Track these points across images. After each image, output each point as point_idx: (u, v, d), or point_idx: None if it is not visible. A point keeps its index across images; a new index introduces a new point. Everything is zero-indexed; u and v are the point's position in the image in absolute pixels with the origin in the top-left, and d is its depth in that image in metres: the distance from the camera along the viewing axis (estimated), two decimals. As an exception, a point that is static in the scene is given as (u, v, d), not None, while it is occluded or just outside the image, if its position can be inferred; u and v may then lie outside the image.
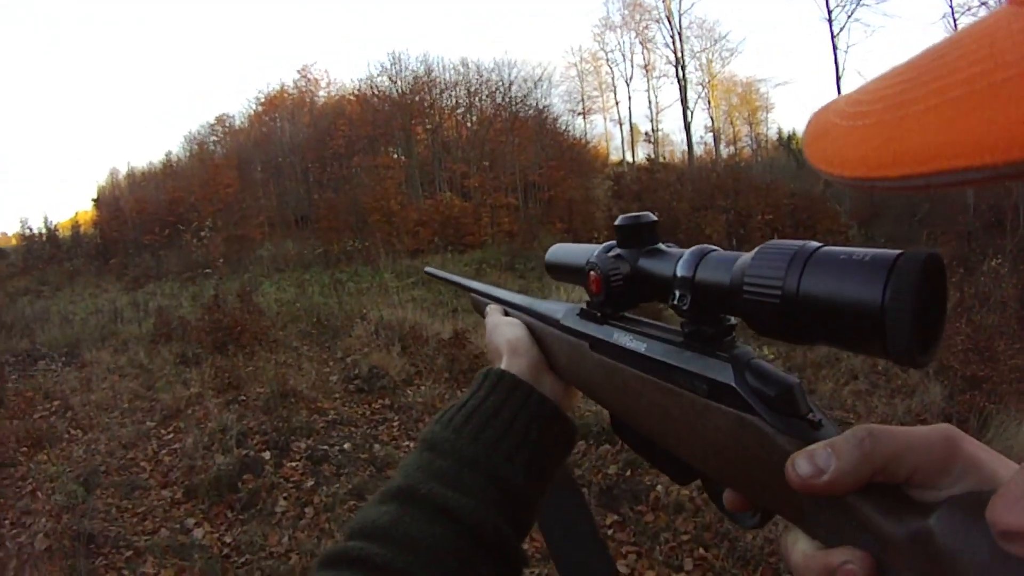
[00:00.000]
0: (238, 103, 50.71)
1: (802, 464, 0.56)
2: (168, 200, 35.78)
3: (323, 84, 45.05)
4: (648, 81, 43.90)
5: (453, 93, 39.16)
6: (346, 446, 7.86)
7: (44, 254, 34.25)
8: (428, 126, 37.03)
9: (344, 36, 71.14)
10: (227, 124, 46.52)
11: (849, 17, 31.63)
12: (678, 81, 40.63)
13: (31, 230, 36.38)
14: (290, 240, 31.14)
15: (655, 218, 0.91)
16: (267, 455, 7.53)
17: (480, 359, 9.51)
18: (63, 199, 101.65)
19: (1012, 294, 11.09)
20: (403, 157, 36.50)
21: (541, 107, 39.51)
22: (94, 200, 42.37)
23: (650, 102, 44.43)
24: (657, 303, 0.85)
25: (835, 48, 33.73)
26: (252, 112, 45.43)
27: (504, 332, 1.09)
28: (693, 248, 0.76)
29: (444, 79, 38.59)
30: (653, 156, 40.81)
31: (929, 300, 0.52)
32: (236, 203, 34.85)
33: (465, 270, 20.54)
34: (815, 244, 0.58)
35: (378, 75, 38.11)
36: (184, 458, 7.66)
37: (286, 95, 44.30)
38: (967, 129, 0.36)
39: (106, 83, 74.68)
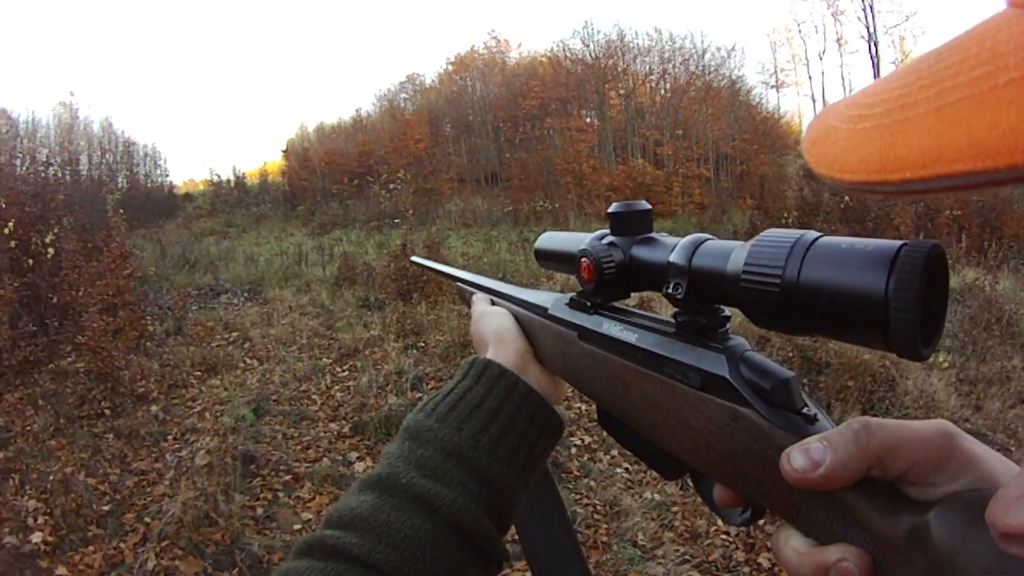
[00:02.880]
0: (428, 64, 51.81)
1: (797, 457, 0.56)
2: (357, 152, 36.48)
3: (514, 46, 44.99)
4: (841, 56, 42.52)
5: (646, 59, 38.19)
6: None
7: (231, 199, 35.85)
8: (621, 91, 36.22)
9: (533, 4, 70.81)
10: (417, 82, 47.09)
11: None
12: (870, 57, 38.87)
13: (219, 177, 37.37)
14: (479, 197, 31.33)
15: (649, 206, 0.88)
16: (440, 399, 7.52)
17: None
18: (251, 152, 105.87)
19: None
20: (596, 121, 35.86)
21: (734, 77, 38.40)
22: (283, 151, 44.38)
23: (843, 78, 42.60)
24: (650, 292, 0.84)
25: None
26: (443, 71, 45.70)
27: (490, 322, 1.08)
28: (689, 236, 0.75)
29: (637, 45, 37.63)
30: None
31: (932, 292, 0.52)
32: (426, 158, 35.28)
33: None
34: (815, 233, 0.58)
35: (570, 38, 37.62)
36: (356, 395, 7.89)
37: (476, 56, 43.98)
38: (969, 133, 0.36)
39: (297, 43, 76.78)
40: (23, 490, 5.85)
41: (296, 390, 8.34)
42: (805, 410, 0.61)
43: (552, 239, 1.04)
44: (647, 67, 38.00)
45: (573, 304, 0.95)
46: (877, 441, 0.52)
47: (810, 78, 46.23)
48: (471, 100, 40.36)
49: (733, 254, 0.64)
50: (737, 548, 5.11)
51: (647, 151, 33.30)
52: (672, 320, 0.75)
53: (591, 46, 36.83)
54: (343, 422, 7.45)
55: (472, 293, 1.28)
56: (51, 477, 5.84)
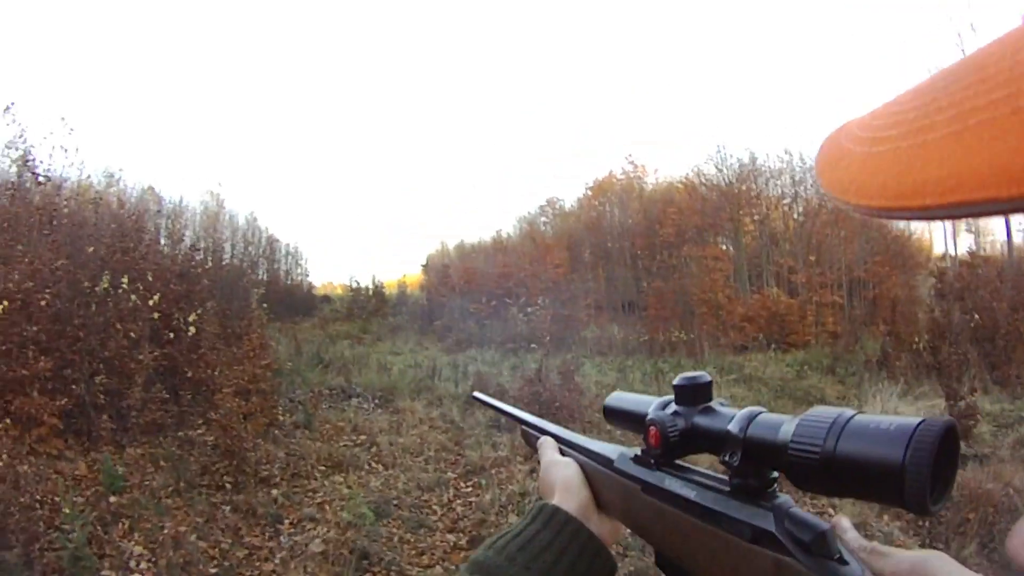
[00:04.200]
0: (567, 188, 52.38)
1: None
2: (497, 273, 36.85)
3: (651, 170, 45.32)
4: None
5: (778, 182, 37.74)
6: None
7: (369, 306, 36.38)
8: (755, 216, 36.03)
9: (669, 128, 71.45)
10: (557, 207, 47.43)
11: None
12: None
13: (358, 283, 38.26)
14: (616, 324, 31.07)
15: (709, 378, 0.99)
16: (561, 523, 7.58)
17: None
18: (390, 262, 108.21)
19: None
20: (731, 248, 35.67)
21: None
22: (423, 265, 45.43)
23: None
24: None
25: None
26: (582, 196, 46.08)
27: (558, 471, 1.18)
28: (744, 410, 0.84)
29: (768, 167, 37.32)
30: (974, 248, 38.63)
31: (943, 460, 0.61)
32: (565, 283, 35.20)
33: (787, 371, 20.05)
34: (851, 412, 0.68)
35: (704, 162, 37.71)
36: (477, 511, 8.03)
37: (614, 180, 44.31)
38: (990, 159, 0.35)
39: (442, 160, 78.86)
40: (131, 535, 6.17)
41: (418, 498, 8.49)
42: (839, 557, 0.70)
43: (621, 400, 1.16)
44: (779, 189, 37.85)
45: (638, 460, 1.04)
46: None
47: None
48: (609, 226, 40.54)
49: (783, 427, 0.74)
50: None
51: (781, 278, 32.85)
52: (727, 479, 0.84)
53: (724, 171, 36.87)
54: (461, 534, 7.53)
55: (537, 437, 1.36)
56: (164, 531, 6.08)
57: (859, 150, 0.44)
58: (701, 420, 0.94)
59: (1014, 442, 10.78)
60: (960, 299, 21.40)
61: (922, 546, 7.19)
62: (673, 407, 0.98)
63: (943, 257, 41.71)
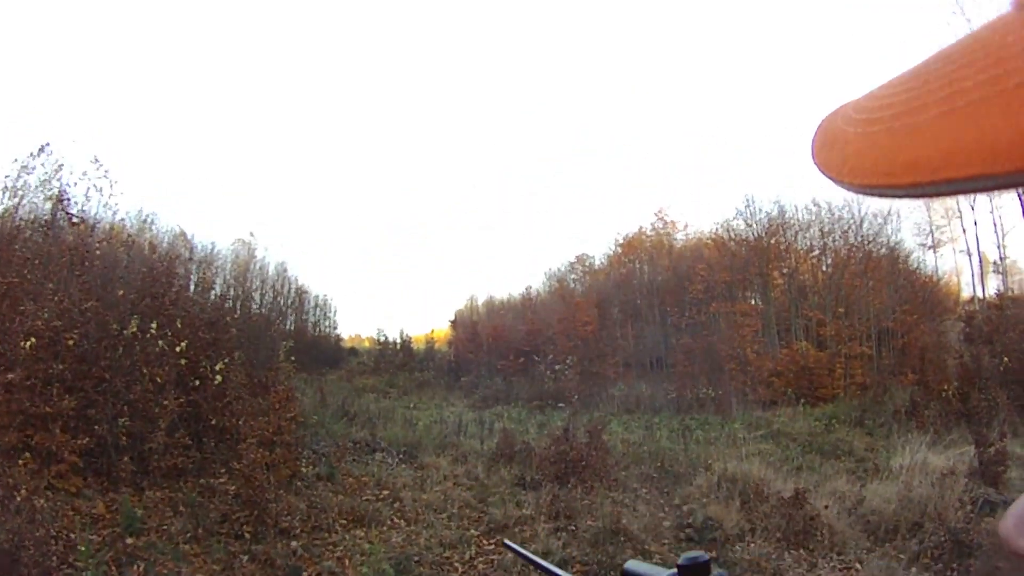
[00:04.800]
0: (597, 245, 52.28)
1: None
2: (526, 331, 37.08)
3: (680, 227, 45.41)
4: (991, 201, 40.86)
5: (806, 235, 37.66)
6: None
7: (396, 360, 36.40)
8: (784, 270, 36.01)
9: (699, 181, 71.52)
10: (587, 264, 47.42)
11: None
12: (1019, 197, 37.28)
13: (386, 337, 38.39)
14: (643, 382, 30.90)
15: (708, 557, 1.12)
16: (583, 583, 7.56)
17: (815, 521, 9.41)
18: (418, 315, 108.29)
19: None
20: (760, 303, 35.62)
21: (892, 244, 37.17)
22: (452, 321, 45.18)
23: (995, 225, 40.91)
24: None
25: None
26: (612, 253, 46.10)
27: None
28: None
29: (797, 220, 37.27)
30: (1003, 289, 38.25)
31: None
32: (593, 340, 35.36)
33: (815, 425, 19.88)
34: None
35: (733, 218, 37.74)
36: (499, 569, 7.95)
37: (644, 237, 44.46)
38: (978, 136, 0.36)
39: (471, 216, 78.93)
40: (146, 577, 6.03)
41: (439, 555, 8.42)
42: None
43: (637, 567, 1.30)
44: (808, 243, 37.77)
45: None
46: None
47: (964, 231, 44.95)
48: (639, 283, 40.60)
49: None
50: None
51: (810, 331, 32.63)
52: None
53: (753, 225, 36.87)
54: (483, 593, 7.39)
55: None
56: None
57: (853, 130, 0.46)
58: None
59: None
60: (988, 342, 21.44)
61: None
62: None
63: (971, 300, 41.49)
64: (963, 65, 0.39)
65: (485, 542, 8.98)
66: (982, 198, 42.45)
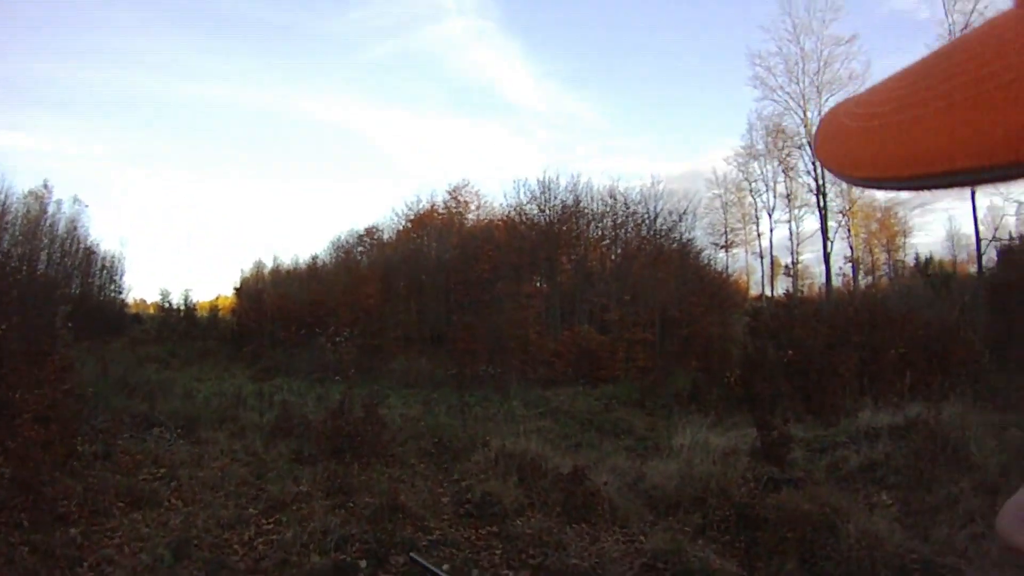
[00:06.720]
0: (388, 217, 52.62)
1: None
2: (309, 301, 36.76)
3: (472, 207, 45.85)
4: (790, 211, 44.39)
5: (600, 225, 39.52)
6: (445, 567, 7.68)
7: (179, 328, 36.27)
8: (573, 257, 36.96)
9: (497, 156, 72.34)
10: (375, 236, 48.04)
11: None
12: (819, 210, 40.94)
13: (170, 303, 37.56)
14: (424, 357, 31.25)
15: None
16: (363, 563, 7.51)
17: (596, 496, 9.50)
18: (204, 282, 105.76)
19: None
20: (546, 286, 36.32)
21: (685, 240, 39.65)
22: (236, 288, 44.72)
23: (791, 233, 44.60)
24: None
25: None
26: (401, 228, 46.74)
27: None
28: None
29: (592, 209, 38.94)
30: (792, 290, 41.79)
31: None
32: (376, 314, 35.46)
33: (595, 404, 20.64)
34: None
35: (527, 202, 38.30)
36: (279, 550, 7.68)
37: (436, 214, 45.42)
38: (977, 130, 0.37)
39: (262, 179, 77.04)
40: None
41: (219, 537, 8.12)
42: None
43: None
44: (600, 232, 38.96)
45: None
46: None
47: (759, 236, 47.66)
48: (426, 259, 40.80)
49: None
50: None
51: (594, 316, 33.66)
52: None
53: (547, 211, 37.74)
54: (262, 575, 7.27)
55: None
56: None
57: (854, 125, 0.47)
58: None
59: (828, 466, 11.51)
60: (774, 337, 22.61)
61: (740, 566, 7.77)
62: None
63: (759, 298, 43.89)
64: (963, 61, 0.41)
65: (264, 521, 8.73)
66: (779, 204, 44.87)
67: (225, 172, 76.15)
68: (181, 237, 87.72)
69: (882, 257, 48.51)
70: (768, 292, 46.62)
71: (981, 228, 34.73)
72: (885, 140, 0.43)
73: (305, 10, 71.43)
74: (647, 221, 38.48)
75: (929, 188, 0.42)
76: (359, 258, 46.70)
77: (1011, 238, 35.69)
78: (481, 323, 31.62)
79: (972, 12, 33.05)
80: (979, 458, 10.44)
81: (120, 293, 46.16)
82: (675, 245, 38.65)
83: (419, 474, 11.20)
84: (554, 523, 8.88)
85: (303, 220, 78.39)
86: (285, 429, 13.38)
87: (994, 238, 35.33)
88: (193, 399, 16.64)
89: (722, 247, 48.07)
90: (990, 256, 35.10)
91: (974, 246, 34.58)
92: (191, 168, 76.02)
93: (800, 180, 42.32)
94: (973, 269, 37.76)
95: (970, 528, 8.13)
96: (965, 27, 32.55)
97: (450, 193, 45.11)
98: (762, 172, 45.80)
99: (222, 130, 74.48)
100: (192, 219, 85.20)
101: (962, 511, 8.64)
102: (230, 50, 67.96)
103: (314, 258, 48.09)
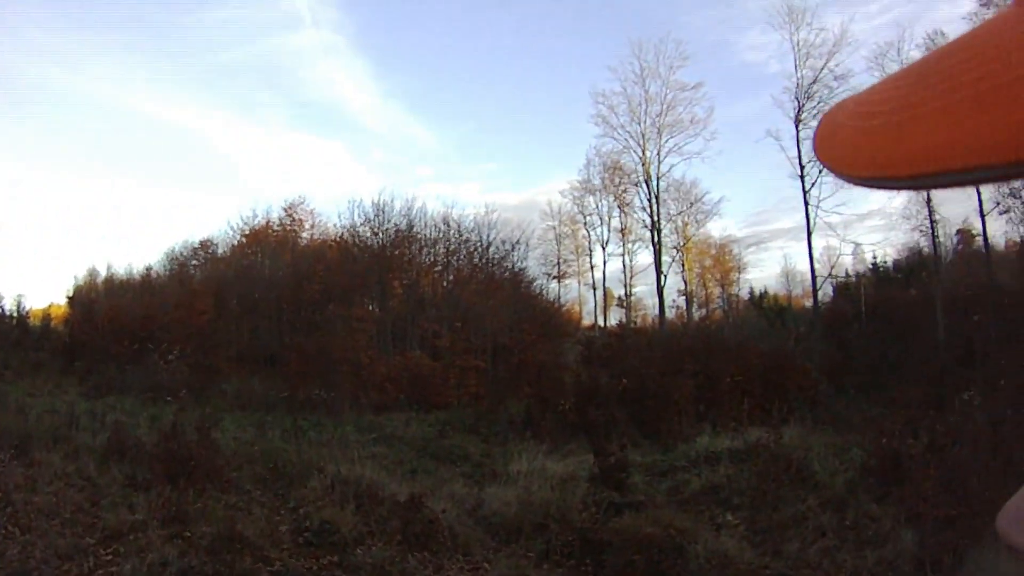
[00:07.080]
0: (223, 230, 50.96)
1: None
2: (142, 315, 35.42)
3: (307, 225, 45.64)
4: (624, 245, 45.68)
5: (433, 251, 39.55)
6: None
7: (12, 337, 34.36)
8: (406, 281, 37.53)
9: (335, 175, 72.03)
10: (210, 250, 46.64)
11: (821, 172, 31.24)
12: (653, 245, 41.79)
13: (2, 309, 36.51)
14: (257, 378, 30.42)
15: None
16: (205, 598, 7.14)
17: (435, 524, 9.44)
18: (37, 288, 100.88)
19: (983, 426, 10.95)
20: (378, 310, 36.73)
21: (517, 269, 40.06)
22: (69, 298, 43.19)
23: (624, 266, 45.70)
24: None
25: (807, 203, 35.07)
26: (236, 243, 45.65)
27: None
28: None
29: (425, 235, 39.05)
30: (625, 321, 43.00)
31: None
32: (209, 331, 34.59)
33: (429, 431, 20.60)
34: None
35: (361, 224, 38.39)
36: None
37: (271, 231, 44.76)
38: (976, 129, 0.38)
39: (97, 179, 73.71)
40: None
41: (58, 569, 7.75)
42: None
43: None
44: (432, 258, 39.18)
45: None
46: None
47: (592, 268, 48.97)
48: (260, 277, 40.16)
49: None
50: None
51: (426, 342, 33.66)
52: None
53: (380, 235, 37.86)
54: (105, 611, 6.73)
55: None
56: None
57: (853, 124, 0.47)
58: None
59: (669, 489, 12.01)
60: (607, 365, 23.47)
61: None
62: None
63: (593, 327, 45.02)
64: (963, 60, 0.42)
65: (102, 551, 8.33)
66: (614, 238, 46.00)
67: (56, 166, 72.46)
68: (10, 237, 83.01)
69: (716, 291, 50.25)
70: (601, 322, 47.84)
71: (817, 266, 36.11)
72: (885, 140, 0.44)
73: (155, 2, 68.74)
74: (480, 249, 38.84)
75: (929, 187, 0.44)
76: (193, 272, 45.41)
77: (847, 275, 38.40)
78: (313, 345, 31.31)
79: (822, 69, 34.91)
80: (824, 476, 10.99)
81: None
82: (507, 274, 39.11)
83: (255, 501, 10.88)
84: (395, 552, 8.83)
85: (140, 226, 75.52)
86: (119, 452, 12.78)
87: (830, 275, 37.22)
88: (26, 416, 15.67)
89: (555, 277, 48.91)
90: (826, 292, 37.22)
91: (809, 282, 35.92)
92: (18, 160, 71.98)
93: (635, 215, 43.44)
94: (808, 303, 39.56)
95: (821, 542, 8.59)
96: (814, 82, 34.86)
97: (286, 210, 44.57)
98: (597, 206, 46.82)
99: (52, 118, 70.48)
100: (23, 217, 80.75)
101: (811, 527, 9.10)
102: (66, 31, 64.17)
103: (148, 269, 46.48)
